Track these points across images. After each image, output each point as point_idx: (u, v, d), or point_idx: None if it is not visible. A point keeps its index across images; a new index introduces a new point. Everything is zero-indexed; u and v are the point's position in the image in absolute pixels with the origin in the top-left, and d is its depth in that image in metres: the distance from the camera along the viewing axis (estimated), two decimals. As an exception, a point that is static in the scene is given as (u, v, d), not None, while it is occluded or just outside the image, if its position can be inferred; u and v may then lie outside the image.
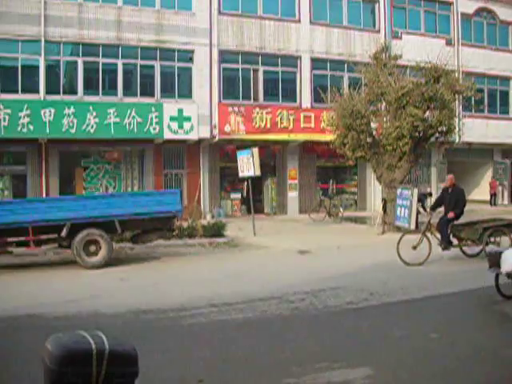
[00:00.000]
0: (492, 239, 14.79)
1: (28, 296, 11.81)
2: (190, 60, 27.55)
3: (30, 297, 11.78)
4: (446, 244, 14.78)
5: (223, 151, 28.34)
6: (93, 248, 15.27)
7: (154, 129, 25.52)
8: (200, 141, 27.16)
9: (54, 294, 12.07)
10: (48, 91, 25.18)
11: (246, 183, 26.68)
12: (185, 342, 8.22)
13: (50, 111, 24.15)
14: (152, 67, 26.90)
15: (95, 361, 1.81)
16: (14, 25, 24.41)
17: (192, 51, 27.38)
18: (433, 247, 14.51)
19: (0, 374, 6.92)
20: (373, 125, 22.67)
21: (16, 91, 24.80)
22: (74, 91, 25.83)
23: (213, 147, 28.10)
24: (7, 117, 23.63)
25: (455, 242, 15.11)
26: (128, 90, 26.61)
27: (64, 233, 15.16)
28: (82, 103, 25.10)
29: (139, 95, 26.49)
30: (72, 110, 24.39)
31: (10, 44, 24.74)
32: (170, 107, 26.04)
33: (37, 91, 25.10)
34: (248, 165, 21.19)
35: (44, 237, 15.45)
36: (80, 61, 25.85)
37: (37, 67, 25.22)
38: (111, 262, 15.59)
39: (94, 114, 24.60)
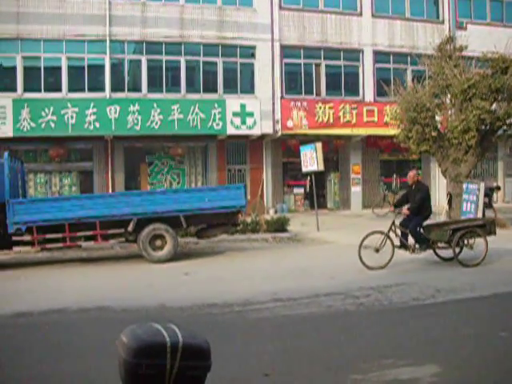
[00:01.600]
0: (465, 241, 13.66)
1: (96, 289, 12.08)
2: (252, 56, 27.62)
3: (98, 290, 12.05)
4: (424, 246, 13.61)
5: (286, 146, 28.28)
6: (158, 242, 15.54)
7: (218, 124, 25.71)
8: (263, 136, 27.20)
9: (121, 287, 12.31)
10: (113, 89, 25.70)
11: (308, 178, 26.61)
12: (250, 336, 8.25)
13: (115, 108, 24.64)
14: (214, 64, 27.09)
15: (169, 354, 1.81)
16: (80, 26, 25.01)
17: (254, 47, 27.44)
18: (396, 250, 13.50)
19: (74, 365, 7.09)
20: (438, 118, 22.20)
21: (83, 90, 25.41)
22: (138, 89, 26.27)
23: (275, 142, 28.10)
24: (74, 115, 24.25)
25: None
26: (191, 87, 26.88)
27: (131, 227, 15.48)
28: (146, 100, 25.50)
29: (202, 91, 26.72)
30: (137, 107, 24.82)
31: (77, 44, 25.36)
32: (233, 103, 26.18)
33: (102, 89, 25.64)
34: (311, 160, 21.12)
35: (111, 231, 15.81)
36: (144, 59, 26.25)
37: (102, 66, 25.76)
38: (176, 256, 15.80)
39: (158, 110, 24.97)
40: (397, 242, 13.64)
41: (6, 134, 23.84)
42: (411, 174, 14.45)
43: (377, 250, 13.41)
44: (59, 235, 15.64)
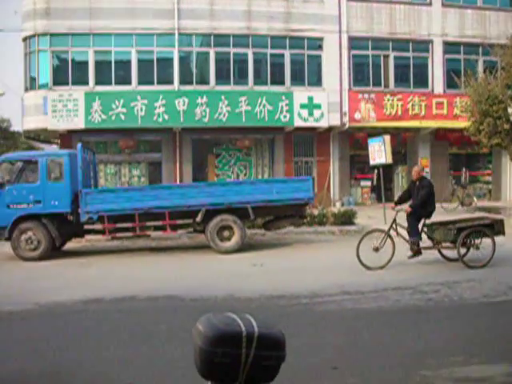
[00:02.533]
0: (472, 241, 12.82)
1: (165, 278, 12.29)
2: (320, 47, 27.47)
3: (167, 279, 12.26)
4: (416, 247, 12.75)
5: (353, 139, 28.05)
6: (226, 233, 15.71)
7: (285, 117, 25.71)
8: (330, 128, 27.05)
9: (188, 276, 12.50)
10: (182, 82, 26.05)
11: (376, 171, 26.34)
12: (317, 328, 8.23)
13: (183, 101, 24.96)
14: (282, 56, 27.07)
15: (245, 343, 1.84)
16: (149, 20, 25.44)
17: (321, 38, 27.29)
18: (397, 249, 12.87)
19: (139, 350, 7.25)
20: (510, 110, 21.64)
21: (152, 83, 25.84)
22: (206, 81, 26.51)
23: (343, 135, 27.90)
24: (144, 107, 24.69)
25: (428, 244, 13.16)
26: (258, 79, 26.97)
27: (199, 218, 15.71)
28: (214, 92, 25.73)
29: (269, 84, 26.76)
30: (205, 99, 25.07)
31: (146, 38, 25.81)
32: (300, 95, 26.12)
33: (171, 82, 26.01)
34: (379, 152, 20.88)
35: (180, 221, 16.09)
36: (212, 51, 26.47)
37: (171, 59, 26.13)
38: (243, 247, 15.93)
39: (226, 102, 25.16)
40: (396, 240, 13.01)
41: (78, 125, 24.52)
42: (416, 168, 13.71)
43: (376, 249, 12.80)
44: (129, 224, 16.02)
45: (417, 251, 12.78)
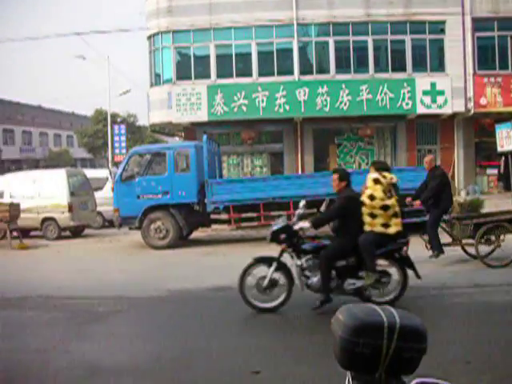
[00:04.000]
0: (492, 237, 11.73)
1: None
2: (442, 31, 26.60)
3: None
4: (437, 251, 11.84)
5: (478, 125, 27.05)
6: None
7: (407, 104, 25.17)
8: (454, 115, 26.20)
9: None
10: (302, 72, 26.10)
11: (503, 158, 25.29)
12: (444, 321, 8.09)
13: (304, 91, 25.02)
14: (402, 42, 26.47)
15: (386, 334, 1.84)
16: (268, 12, 25.65)
17: (443, 22, 26.40)
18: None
19: (271, 340, 7.39)
20: None
21: (272, 74, 26.06)
22: (325, 70, 26.41)
23: (467, 121, 26.94)
24: (265, 98, 24.98)
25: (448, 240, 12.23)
26: (379, 66, 26.56)
27: (323, 207, 15.65)
28: (334, 81, 25.60)
29: (390, 71, 26.27)
30: (325, 88, 25.01)
31: (266, 30, 26.03)
32: (423, 81, 25.46)
33: (291, 73, 26.12)
34: (508, 139, 20.01)
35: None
36: (331, 40, 26.32)
37: (290, 50, 26.22)
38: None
39: (347, 91, 24.97)
40: None
41: (201, 118, 25.17)
42: (426, 159, 12.87)
43: None
44: (254, 214, 16.31)
45: (438, 255, 11.93)
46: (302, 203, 9.25)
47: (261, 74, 26.14)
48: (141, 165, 18.51)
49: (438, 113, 25.71)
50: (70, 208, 20.70)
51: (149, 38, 27.41)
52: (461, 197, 23.28)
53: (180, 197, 16.77)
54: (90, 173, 24.87)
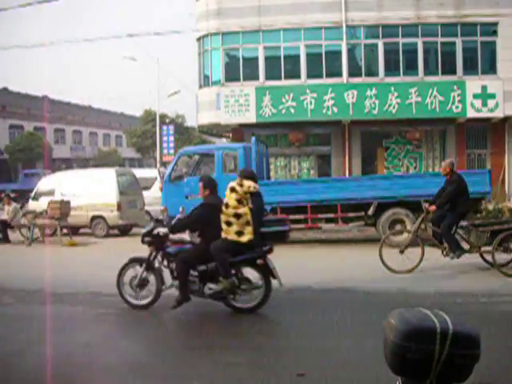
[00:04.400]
0: (511, 245, 11.44)
1: (337, 270, 12.35)
2: (494, 33, 26.14)
3: (339, 271, 12.33)
4: (458, 251, 11.62)
5: (531, 129, 26.52)
6: (398, 227, 15.54)
7: (457, 107, 24.78)
8: (505, 119, 25.65)
9: (360, 269, 12.44)
10: (350, 74, 25.98)
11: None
12: (494, 329, 7.84)
13: (352, 93, 24.88)
14: (453, 44, 26.09)
15: (438, 339, 1.81)
16: (317, 14, 25.61)
17: (496, 23, 25.91)
18: (425, 251, 11.84)
19: (317, 343, 7.41)
20: None
21: (320, 76, 26.01)
22: (374, 73, 26.24)
23: (520, 125, 26.44)
24: (313, 100, 24.93)
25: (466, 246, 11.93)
26: (428, 69, 26.25)
27: (371, 211, 15.72)
28: (383, 84, 25.39)
29: (440, 73, 25.94)
30: (374, 91, 24.82)
31: (315, 32, 26.02)
32: (473, 84, 25.01)
33: (339, 75, 26.03)
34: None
35: (351, 214, 16.15)
36: (380, 42, 26.14)
37: (339, 52, 26.14)
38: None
39: (396, 94, 24.72)
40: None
41: (249, 120, 25.25)
42: (444, 164, 12.62)
43: (401, 252, 11.99)
44: (301, 216, 16.31)
45: (459, 255, 11.72)
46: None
47: (309, 76, 26.12)
48: (189, 165, 18.68)
49: (489, 116, 25.24)
50: (119, 207, 21.03)
51: (198, 39, 27.65)
52: (510, 202, 22.92)
53: None
54: (139, 172, 25.21)
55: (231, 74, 26.62)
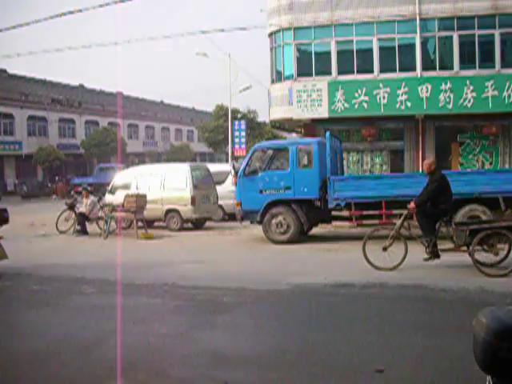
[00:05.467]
0: (488, 245, 11.22)
1: (410, 266, 12.20)
2: None
3: (412, 267, 12.18)
4: (429, 236, 11.61)
5: None
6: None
7: (536, 101, 24.14)
8: None
9: (436, 266, 12.26)
10: (424, 68, 25.55)
11: None
12: None
13: (426, 87, 24.48)
14: (531, 35, 25.41)
15: None
16: (390, 7, 25.32)
17: None
18: (409, 249, 11.71)
19: (393, 340, 7.41)
20: None
21: (394, 70, 25.68)
22: (449, 66, 25.73)
23: None
24: (386, 95, 24.67)
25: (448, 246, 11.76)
26: (505, 62, 25.56)
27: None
28: (458, 78, 24.88)
29: (519, 66, 25.27)
30: (448, 85, 24.35)
31: (387, 25, 25.70)
32: (552, 77, 24.30)
33: (413, 69, 25.63)
34: None
35: None
36: (455, 35, 25.59)
37: (412, 45, 25.73)
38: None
39: (471, 88, 24.18)
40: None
41: (321, 114, 25.20)
42: (426, 161, 12.42)
43: (384, 249, 11.95)
44: (376, 212, 16.23)
45: (432, 253, 11.70)
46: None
47: (382, 71, 25.84)
48: (263, 160, 18.84)
49: None
50: (193, 201, 21.39)
51: (270, 35, 27.75)
52: None
53: (302, 192, 16.96)
54: (212, 167, 25.55)
55: (303, 69, 26.60)
